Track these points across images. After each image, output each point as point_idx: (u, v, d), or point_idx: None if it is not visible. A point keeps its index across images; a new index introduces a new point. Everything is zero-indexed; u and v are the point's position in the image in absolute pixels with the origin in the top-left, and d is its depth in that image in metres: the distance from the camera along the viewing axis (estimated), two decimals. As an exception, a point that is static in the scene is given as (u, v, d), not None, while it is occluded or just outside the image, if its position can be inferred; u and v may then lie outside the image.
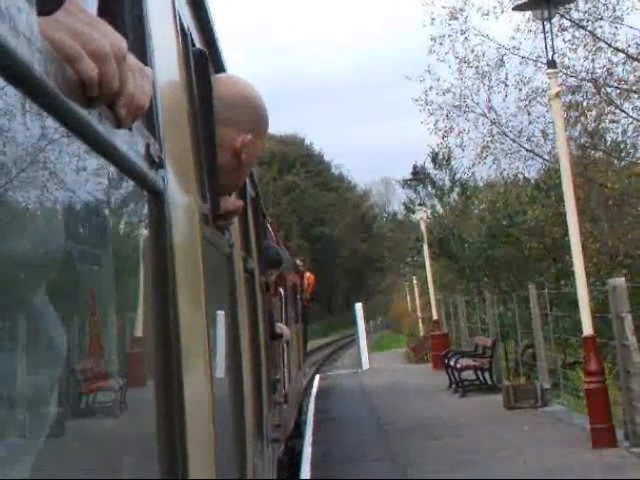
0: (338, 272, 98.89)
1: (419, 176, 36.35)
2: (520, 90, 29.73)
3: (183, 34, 2.29)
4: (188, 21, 2.49)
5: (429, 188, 48.70)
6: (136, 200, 1.57)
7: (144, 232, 1.66)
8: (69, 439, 1.21)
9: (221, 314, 2.96)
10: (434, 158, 47.17)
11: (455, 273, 36.09)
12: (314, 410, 21.44)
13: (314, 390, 27.09)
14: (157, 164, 1.55)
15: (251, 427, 3.50)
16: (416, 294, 58.94)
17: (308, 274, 23.67)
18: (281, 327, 7.73)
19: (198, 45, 2.66)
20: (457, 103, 31.38)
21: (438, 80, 31.47)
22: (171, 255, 1.64)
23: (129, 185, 1.47)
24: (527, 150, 30.61)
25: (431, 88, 31.28)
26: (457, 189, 47.18)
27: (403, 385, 25.85)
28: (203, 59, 2.47)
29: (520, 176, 32.37)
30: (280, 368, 9.26)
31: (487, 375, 22.19)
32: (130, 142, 1.34)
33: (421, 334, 53.94)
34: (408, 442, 15.82)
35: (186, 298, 1.74)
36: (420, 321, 57.47)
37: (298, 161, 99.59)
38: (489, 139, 31.05)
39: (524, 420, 16.65)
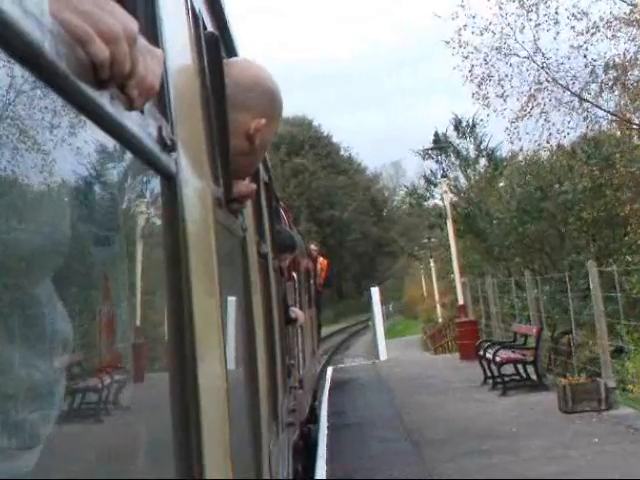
0: (348, 256, 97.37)
1: (441, 144, 30.94)
2: (573, 28, 25.68)
3: (194, 17, 2.28)
4: (199, 4, 2.48)
5: (452, 158, 41.44)
6: (148, 183, 1.56)
7: (156, 216, 1.65)
8: (78, 430, 1.20)
9: (235, 299, 2.95)
10: (457, 125, 40.97)
11: (482, 253, 32.58)
12: (327, 413, 17.40)
13: (327, 386, 22.72)
14: (169, 147, 1.54)
15: (266, 412, 3.49)
16: (433, 277, 57.88)
17: (321, 259, 23.63)
18: (295, 311, 7.72)
19: (210, 28, 2.64)
20: (497, 44, 27.13)
21: (474, 17, 26.94)
22: (184, 239, 1.63)
23: (141, 168, 1.46)
24: (584, 101, 26.21)
25: (465, 27, 27.02)
26: (483, 160, 41.34)
27: (429, 380, 21.55)
28: (215, 42, 2.46)
29: (569, 134, 27.40)
30: (295, 353, 9.26)
31: (530, 369, 18.56)
32: (142, 124, 1.33)
33: (439, 320, 51.95)
34: (446, 458, 12.29)
35: (199, 282, 1.73)
36: (438, 306, 56.49)
37: (306, 143, 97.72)
38: (536, 87, 26.90)
39: (589, 428, 13.29)
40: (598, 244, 25.55)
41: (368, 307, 79.14)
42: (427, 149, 31.13)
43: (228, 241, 2.70)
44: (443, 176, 29.37)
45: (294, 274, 10.77)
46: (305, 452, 11.49)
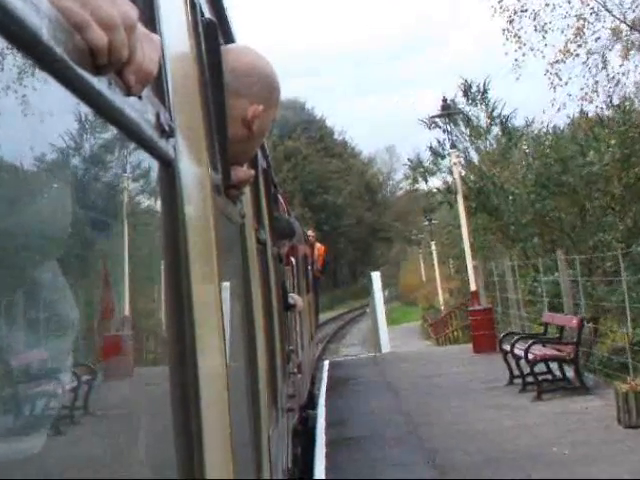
0: (343, 242, 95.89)
1: (451, 111, 26.78)
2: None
3: (192, 4, 2.28)
4: (197, -9, 2.47)
5: (462, 127, 37.02)
6: (147, 169, 1.56)
7: (155, 202, 1.65)
8: (85, 414, 1.21)
9: (234, 285, 2.95)
10: (466, 91, 36.31)
11: (495, 233, 29.23)
12: (324, 423, 13.89)
13: (323, 385, 19.22)
14: (167, 133, 1.54)
15: (266, 398, 3.50)
16: (435, 262, 56.20)
17: (319, 245, 23.69)
18: (294, 297, 7.74)
19: (207, 15, 2.64)
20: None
21: None
22: (183, 225, 1.63)
23: (140, 154, 1.46)
24: None
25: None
26: (496, 129, 36.60)
27: (442, 378, 18.23)
28: (212, 29, 2.45)
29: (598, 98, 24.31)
30: (293, 338, 9.28)
31: (565, 368, 15.27)
32: (140, 110, 1.33)
33: (442, 307, 50.00)
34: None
35: (198, 269, 1.74)
36: (440, 293, 55.02)
37: (299, 126, 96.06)
38: (583, 19, 23.32)
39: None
40: (626, 222, 22.51)
41: (363, 293, 78.76)
42: (435, 116, 26.53)
43: (227, 228, 2.70)
44: (452, 146, 25.65)
45: (292, 260, 10.79)
46: (304, 437, 11.51)
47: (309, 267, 19.10)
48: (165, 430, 1.56)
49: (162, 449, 1.57)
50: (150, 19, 1.57)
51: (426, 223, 60.32)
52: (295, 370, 8.27)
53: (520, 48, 25.71)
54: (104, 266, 1.36)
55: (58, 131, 1.09)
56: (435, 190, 35.99)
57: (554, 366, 15.26)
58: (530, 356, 14.77)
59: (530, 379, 14.91)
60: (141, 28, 1.25)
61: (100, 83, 1.11)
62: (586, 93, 25.34)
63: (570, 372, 14.99)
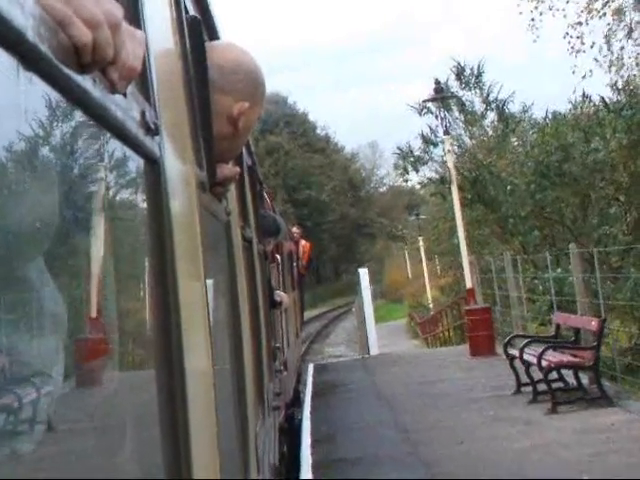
0: (326, 238, 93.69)
1: (444, 94, 24.28)
2: None
3: (176, 1, 2.27)
4: (181, -13, 2.46)
5: (456, 113, 34.30)
6: (132, 168, 1.55)
7: (140, 200, 1.65)
8: (75, 410, 1.20)
9: (220, 282, 2.95)
10: (459, 74, 33.67)
11: (492, 226, 27.27)
12: (310, 440, 12.06)
13: (308, 392, 17.24)
14: (153, 131, 1.54)
15: (253, 395, 3.50)
16: (422, 258, 53.90)
17: (304, 242, 23.68)
18: (280, 295, 7.74)
19: (192, 12, 2.63)
20: None
21: None
22: (168, 223, 1.63)
23: (125, 152, 1.46)
24: None
25: None
26: (491, 114, 34.02)
27: (440, 385, 16.34)
28: (197, 26, 2.45)
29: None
30: (279, 336, 9.28)
31: (580, 375, 13.35)
32: (125, 108, 1.33)
33: (430, 305, 48.48)
34: None
35: (184, 266, 1.73)
36: (429, 290, 52.72)
37: (281, 121, 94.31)
38: None
39: None
40: (633, 214, 21.04)
41: (347, 291, 78.29)
42: (427, 100, 24.60)
43: (212, 225, 2.70)
44: (446, 133, 23.62)
45: (278, 257, 10.79)
46: (290, 435, 11.51)
47: (294, 264, 19.10)
48: (151, 429, 1.56)
49: (149, 448, 1.56)
50: (134, 16, 1.56)
51: (413, 218, 58.82)
52: (281, 368, 8.27)
53: (537, 8, 24.49)
54: (88, 264, 1.35)
55: (42, 128, 1.09)
56: (427, 180, 34.29)
57: (567, 373, 13.55)
58: (544, 363, 12.86)
59: (541, 388, 13.14)
60: (125, 25, 1.25)
61: (85, 81, 1.11)
62: (616, 59, 23.68)
63: (585, 379, 13.37)
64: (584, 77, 24.71)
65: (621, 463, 9.30)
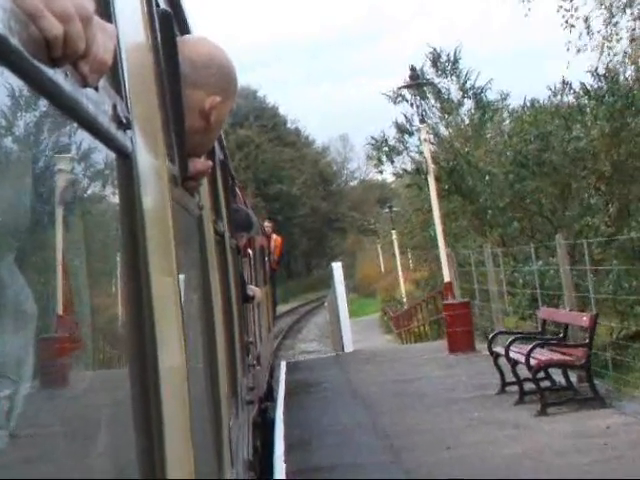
0: (297, 233, 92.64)
1: (419, 81, 22.88)
2: None
3: (147, -6, 2.26)
4: (152, -19, 2.45)
5: (432, 101, 33.06)
6: (104, 162, 1.55)
7: (112, 194, 1.64)
8: (46, 413, 1.19)
9: (193, 277, 2.94)
10: (435, 61, 32.42)
11: (469, 218, 26.39)
12: (283, 446, 10.61)
13: (280, 392, 16.06)
14: (124, 125, 1.53)
15: (226, 390, 3.50)
16: (396, 252, 52.49)
17: (275, 236, 23.68)
18: (253, 289, 7.73)
19: (163, 6, 2.62)
20: None
21: None
22: (140, 218, 1.62)
23: (96, 146, 1.45)
24: None
25: None
26: (468, 103, 32.60)
27: (418, 384, 15.56)
28: (168, 19, 2.44)
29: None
30: (252, 330, 9.27)
31: (569, 373, 12.90)
32: (97, 102, 1.32)
33: (404, 299, 47.70)
34: None
35: (156, 261, 1.73)
36: (402, 284, 51.71)
37: (251, 114, 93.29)
38: None
39: None
40: (615, 205, 20.28)
41: (318, 285, 77.89)
42: (402, 87, 23.29)
43: (185, 219, 2.69)
44: (422, 121, 22.65)
45: (250, 252, 10.78)
46: (263, 429, 11.52)
47: (266, 259, 19.09)
48: (125, 425, 1.56)
49: (121, 441, 1.56)
50: (105, 9, 1.56)
51: (386, 210, 58.08)
52: (254, 362, 8.27)
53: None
54: (60, 260, 1.35)
55: (8, 121, 1.08)
56: (402, 171, 33.27)
57: (553, 371, 12.89)
58: (532, 361, 12.13)
59: (527, 388, 12.58)
60: (96, 18, 1.24)
61: (56, 75, 1.10)
62: (610, 34, 22.84)
63: (573, 377, 12.81)
64: (578, 51, 24.14)
65: (623, 472, 8.54)
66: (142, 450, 1.55)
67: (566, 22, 23.70)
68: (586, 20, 23.52)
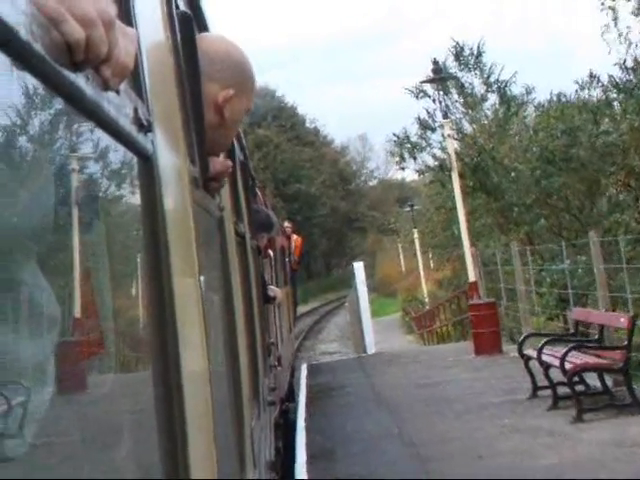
0: (316, 233, 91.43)
1: (443, 75, 21.94)
2: None
3: (167, -4, 2.26)
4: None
5: (455, 96, 31.45)
6: (125, 165, 1.55)
7: (134, 197, 1.65)
8: (70, 413, 1.20)
9: (214, 278, 2.95)
10: (458, 55, 31.06)
11: (494, 216, 25.41)
12: (305, 457, 10.55)
13: (302, 397, 15.73)
14: (145, 127, 1.53)
15: (248, 391, 3.50)
16: (417, 251, 52.07)
17: (295, 236, 23.68)
18: (274, 290, 7.74)
19: (182, 8, 2.63)
20: None
21: None
22: (162, 220, 1.62)
23: (118, 149, 1.45)
24: None
25: None
26: (493, 97, 31.22)
27: (446, 388, 14.86)
28: (188, 21, 2.45)
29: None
30: (273, 331, 9.28)
31: (605, 378, 12.15)
32: (118, 105, 1.32)
33: (426, 299, 47.57)
34: None
35: (178, 263, 1.73)
36: (424, 284, 51.38)
37: (269, 114, 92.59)
38: None
39: None
40: None
41: (338, 285, 77.47)
42: (425, 81, 22.48)
43: (206, 221, 2.70)
44: (445, 117, 21.79)
45: (270, 252, 10.78)
46: (285, 430, 11.52)
47: (287, 259, 19.09)
48: (148, 426, 1.56)
49: (146, 445, 1.56)
50: (125, 12, 1.56)
51: (407, 209, 57.67)
52: (275, 363, 8.27)
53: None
54: (83, 263, 1.35)
55: (35, 127, 1.09)
56: (425, 168, 32.17)
57: (588, 375, 12.20)
58: (568, 365, 11.46)
59: (562, 392, 11.90)
60: (118, 22, 1.24)
61: (78, 79, 1.10)
62: None
63: (609, 382, 12.19)
64: (620, 35, 22.48)
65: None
66: (165, 451, 1.56)
67: (602, 4, 22.71)
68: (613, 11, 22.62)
